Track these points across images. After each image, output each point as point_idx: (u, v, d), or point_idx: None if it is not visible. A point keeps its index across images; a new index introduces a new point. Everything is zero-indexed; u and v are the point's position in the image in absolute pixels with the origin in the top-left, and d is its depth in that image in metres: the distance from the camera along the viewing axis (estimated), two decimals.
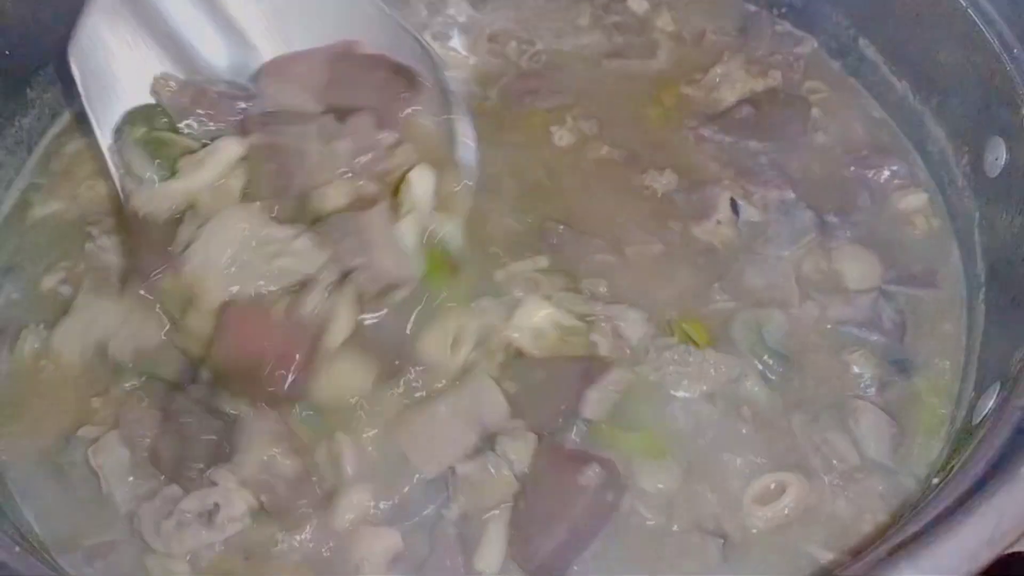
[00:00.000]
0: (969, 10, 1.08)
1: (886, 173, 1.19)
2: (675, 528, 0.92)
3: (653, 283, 1.08)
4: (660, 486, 0.94)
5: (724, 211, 1.13)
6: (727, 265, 1.09)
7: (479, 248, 1.07)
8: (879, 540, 0.77)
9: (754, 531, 0.92)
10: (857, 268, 1.09)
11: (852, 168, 1.20)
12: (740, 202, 1.13)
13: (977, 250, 1.10)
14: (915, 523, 0.74)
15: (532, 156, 1.20)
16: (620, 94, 1.28)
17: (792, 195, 1.13)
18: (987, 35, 1.06)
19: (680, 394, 0.98)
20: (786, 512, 0.92)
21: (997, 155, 1.06)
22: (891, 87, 1.26)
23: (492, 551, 0.89)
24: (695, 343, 1.00)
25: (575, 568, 0.89)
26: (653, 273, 1.09)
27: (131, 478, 0.93)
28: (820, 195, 1.15)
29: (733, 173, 1.17)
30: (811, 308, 1.06)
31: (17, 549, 0.81)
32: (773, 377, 1.01)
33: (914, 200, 1.17)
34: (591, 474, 0.88)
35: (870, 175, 1.19)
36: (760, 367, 1.01)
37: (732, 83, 1.27)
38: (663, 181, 1.16)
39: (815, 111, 1.25)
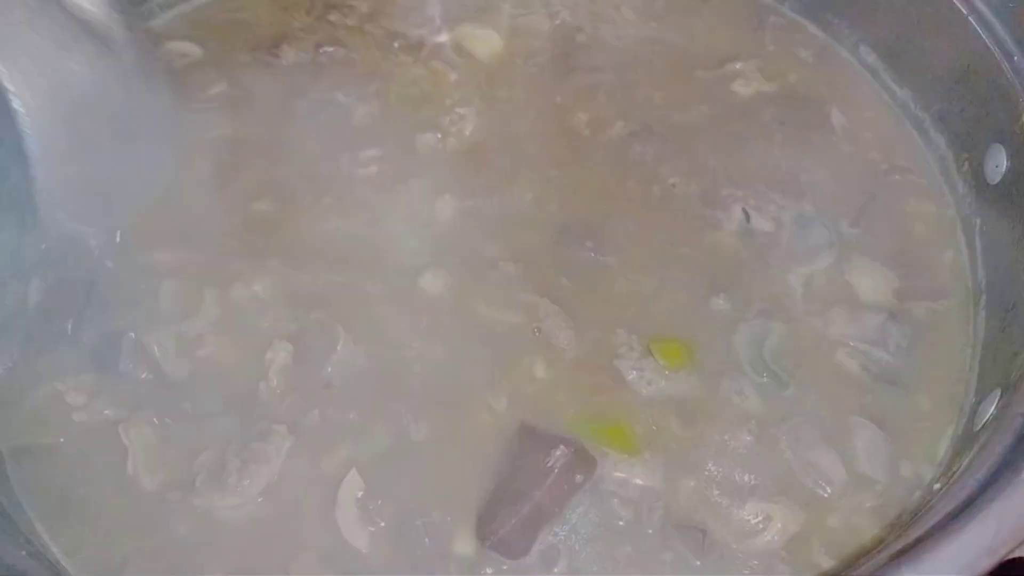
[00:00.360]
0: (969, 17, 1.09)
1: (901, 180, 1.17)
2: (649, 528, 0.91)
3: (653, 289, 1.06)
4: (639, 481, 0.93)
5: (735, 219, 1.12)
6: (735, 274, 1.08)
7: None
8: (880, 546, 0.77)
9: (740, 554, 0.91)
10: (869, 280, 1.08)
11: (869, 177, 1.17)
12: (751, 211, 1.12)
13: (978, 256, 1.10)
14: (916, 528, 0.74)
15: (552, 136, 1.20)
16: (642, 77, 1.27)
17: (811, 208, 1.12)
18: (987, 42, 1.07)
19: (650, 396, 0.98)
20: (769, 544, 0.91)
21: (998, 162, 1.07)
22: (892, 94, 1.26)
23: (466, 536, 0.91)
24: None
25: (528, 560, 0.89)
26: (655, 276, 1.07)
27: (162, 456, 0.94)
28: (835, 204, 1.13)
29: (749, 178, 1.15)
30: (816, 323, 1.04)
31: (23, 553, 0.81)
32: (771, 392, 0.99)
33: (923, 208, 1.16)
34: (557, 454, 0.91)
35: (886, 183, 1.17)
36: (758, 382, 0.99)
37: (747, 80, 1.26)
38: (678, 182, 1.15)
39: (836, 115, 1.23)
